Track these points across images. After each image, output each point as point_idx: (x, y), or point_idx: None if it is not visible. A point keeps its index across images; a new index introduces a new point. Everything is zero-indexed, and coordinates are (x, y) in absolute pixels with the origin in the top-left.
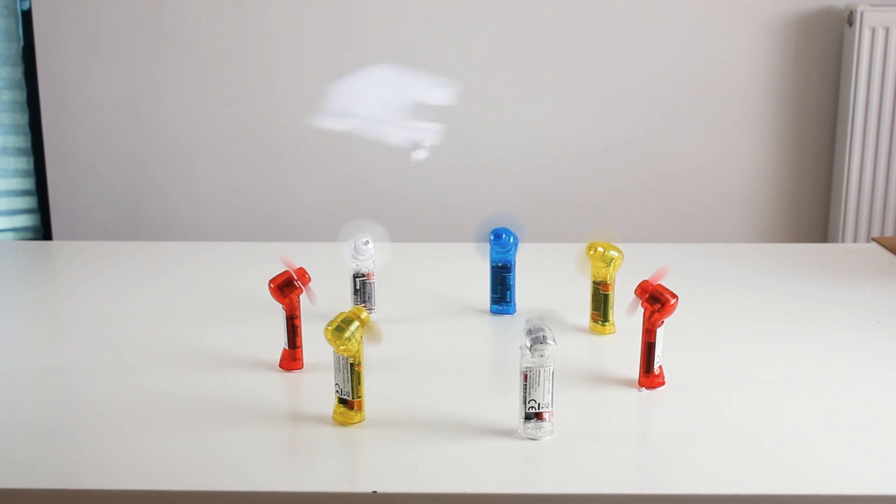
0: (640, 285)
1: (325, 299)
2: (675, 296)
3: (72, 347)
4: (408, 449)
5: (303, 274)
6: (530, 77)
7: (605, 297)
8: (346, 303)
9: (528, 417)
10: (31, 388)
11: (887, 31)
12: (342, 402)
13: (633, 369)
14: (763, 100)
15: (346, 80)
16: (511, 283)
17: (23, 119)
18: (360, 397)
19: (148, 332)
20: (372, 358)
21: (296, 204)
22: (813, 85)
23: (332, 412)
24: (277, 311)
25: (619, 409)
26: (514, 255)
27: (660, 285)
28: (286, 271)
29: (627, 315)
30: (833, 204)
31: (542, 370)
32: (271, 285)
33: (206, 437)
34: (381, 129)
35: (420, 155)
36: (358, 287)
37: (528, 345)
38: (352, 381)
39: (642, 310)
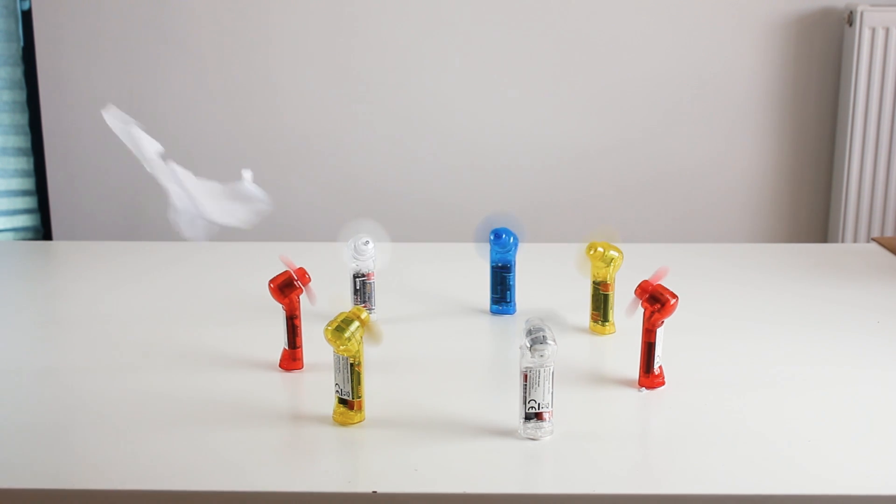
0: (640, 285)
1: (325, 299)
2: (675, 296)
3: (72, 347)
4: (408, 449)
5: (303, 274)
6: (530, 77)
7: (605, 297)
8: (346, 303)
9: (528, 417)
10: (31, 388)
11: (887, 31)
12: (342, 402)
13: (633, 369)
14: (763, 100)
15: None
16: (511, 283)
17: (23, 119)
18: (360, 397)
19: (148, 331)
20: (372, 358)
21: (296, 204)
22: (813, 85)
23: (332, 412)
24: (277, 311)
25: (619, 409)
26: (514, 255)
27: (660, 285)
28: (286, 271)
29: (627, 315)
30: (833, 204)
31: (542, 370)
32: (271, 285)
33: (206, 437)
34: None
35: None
36: (358, 287)
37: (528, 345)
38: (352, 381)
39: (642, 310)
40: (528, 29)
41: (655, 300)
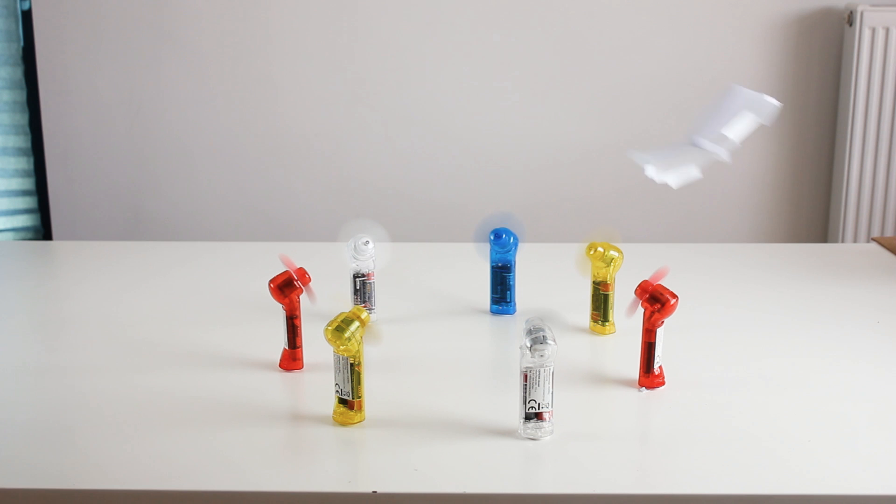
0: (640, 285)
1: (325, 299)
2: (675, 296)
3: (72, 347)
4: (408, 449)
5: (303, 274)
6: (530, 77)
7: (605, 297)
8: (346, 303)
9: (528, 417)
10: (31, 388)
11: (887, 31)
12: (342, 402)
13: (633, 369)
14: None
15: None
16: (511, 283)
17: (23, 119)
18: (360, 397)
19: (148, 331)
20: (372, 358)
21: (296, 204)
22: (813, 85)
23: (332, 412)
24: (277, 311)
25: (619, 409)
26: (514, 255)
27: (660, 285)
28: (286, 271)
29: (627, 315)
30: (833, 204)
31: (542, 370)
32: (271, 285)
33: (206, 437)
34: None
35: None
36: (358, 287)
37: (528, 345)
38: (352, 381)
39: (642, 310)
40: (529, 29)
41: (655, 300)
